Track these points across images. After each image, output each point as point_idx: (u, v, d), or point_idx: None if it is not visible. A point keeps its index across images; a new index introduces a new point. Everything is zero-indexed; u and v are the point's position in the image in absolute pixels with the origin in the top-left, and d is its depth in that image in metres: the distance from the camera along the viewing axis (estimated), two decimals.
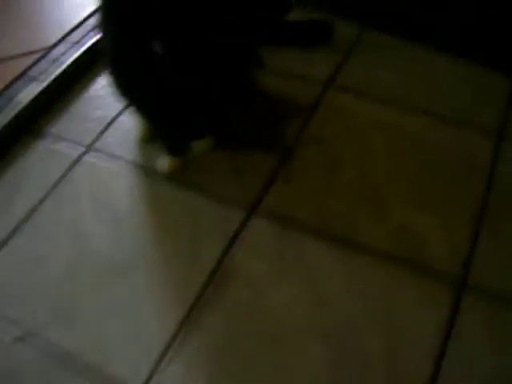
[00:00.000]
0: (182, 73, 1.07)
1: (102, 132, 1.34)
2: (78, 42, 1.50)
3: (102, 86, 1.43)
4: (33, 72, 1.43)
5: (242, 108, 1.33)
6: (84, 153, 1.30)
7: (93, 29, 1.53)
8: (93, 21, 1.54)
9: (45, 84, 1.39)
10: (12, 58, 1.47)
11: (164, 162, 1.25)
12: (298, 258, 1.11)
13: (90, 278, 1.10)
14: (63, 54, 1.47)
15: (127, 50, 1.07)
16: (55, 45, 1.50)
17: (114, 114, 1.38)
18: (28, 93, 1.37)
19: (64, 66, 1.43)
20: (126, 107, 1.37)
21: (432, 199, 1.19)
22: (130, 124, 1.34)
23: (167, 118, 1.18)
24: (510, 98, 1.38)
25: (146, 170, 1.27)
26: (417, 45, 1.49)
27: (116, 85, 1.17)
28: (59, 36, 1.52)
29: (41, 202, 1.21)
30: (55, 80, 1.41)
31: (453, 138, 1.30)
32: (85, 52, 1.47)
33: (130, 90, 1.15)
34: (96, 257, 1.12)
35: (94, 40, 1.49)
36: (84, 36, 1.51)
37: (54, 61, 1.46)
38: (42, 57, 1.47)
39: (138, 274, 1.10)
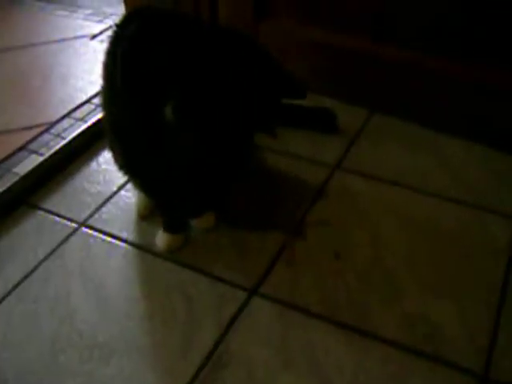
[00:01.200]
0: (192, 140, 1.02)
1: (99, 208, 1.28)
2: (81, 119, 1.48)
3: (103, 163, 1.40)
4: (34, 145, 1.41)
5: (245, 187, 1.28)
6: (78, 228, 1.23)
7: (96, 107, 1.52)
8: (97, 100, 1.53)
9: (44, 157, 1.36)
10: (15, 131, 1.45)
11: (163, 239, 1.18)
12: (302, 346, 1.00)
13: (73, 359, 0.99)
14: (66, 129, 1.45)
15: (135, 119, 1.03)
16: (58, 121, 1.48)
17: (112, 190, 1.32)
18: (27, 165, 1.34)
19: (65, 141, 1.40)
20: (126, 183, 1.32)
21: (449, 285, 1.10)
22: (128, 201, 1.29)
23: (169, 192, 1.13)
24: None
25: (142, 249, 1.19)
26: (427, 129, 1.46)
27: (118, 157, 1.13)
28: (62, 113, 1.50)
29: (28, 275, 1.14)
30: (55, 154, 1.38)
31: (469, 223, 1.23)
32: (87, 128, 1.44)
33: (133, 162, 1.11)
34: (81, 336, 1.03)
35: (97, 117, 1.46)
36: (88, 113, 1.50)
37: (56, 136, 1.43)
38: (45, 131, 1.44)
39: (123, 358, 0.99)
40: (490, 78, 1.37)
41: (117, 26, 1.06)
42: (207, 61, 1.00)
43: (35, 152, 1.38)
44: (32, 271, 1.15)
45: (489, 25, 1.33)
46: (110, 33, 1.06)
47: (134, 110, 1.02)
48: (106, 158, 1.39)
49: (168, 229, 1.19)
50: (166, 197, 1.16)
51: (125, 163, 1.14)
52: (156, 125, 1.00)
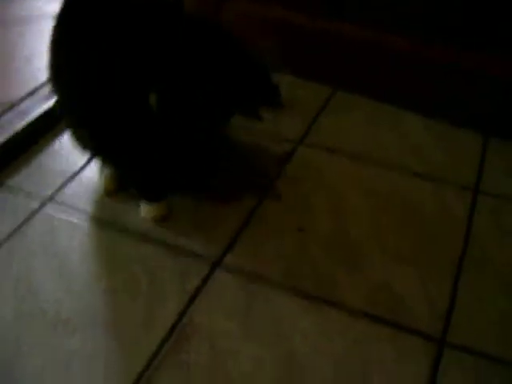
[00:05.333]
0: (174, 124, 1.06)
1: (63, 186, 1.27)
2: (45, 98, 1.47)
3: (67, 142, 1.38)
4: None
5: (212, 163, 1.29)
6: (42, 205, 1.23)
7: None
8: None
9: (8, 135, 1.34)
10: None
11: (146, 209, 1.19)
12: (266, 316, 1.02)
13: (36, 336, 0.99)
14: (29, 108, 1.44)
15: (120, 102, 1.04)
16: (22, 99, 1.46)
17: (76, 168, 1.32)
18: None
19: (29, 120, 1.39)
20: (89, 162, 1.32)
21: (410, 255, 1.13)
22: (91, 179, 1.29)
23: (144, 166, 1.14)
24: (482, 153, 1.37)
25: (105, 225, 1.19)
26: (389, 105, 1.49)
27: (85, 139, 1.14)
28: (26, 92, 1.49)
29: None
30: (19, 132, 1.36)
31: (429, 195, 1.26)
32: (51, 108, 1.43)
33: (106, 142, 1.12)
34: (44, 311, 1.03)
35: None
36: (52, 93, 1.48)
37: (20, 114, 1.42)
38: (8, 110, 1.43)
39: (87, 332, 1.00)
40: (451, 56, 1.40)
41: None
42: (186, 49, 1.04)
43: None
44: None
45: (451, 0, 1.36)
46: None
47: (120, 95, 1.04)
48: (69, 137, 1.38)
49: (147, 199, 1.19)
50: (139, 169, 1.16)
51: (95, 144, 1.14)
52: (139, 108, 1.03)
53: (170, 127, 1.08)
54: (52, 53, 1.10)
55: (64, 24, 1.08)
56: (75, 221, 1.20)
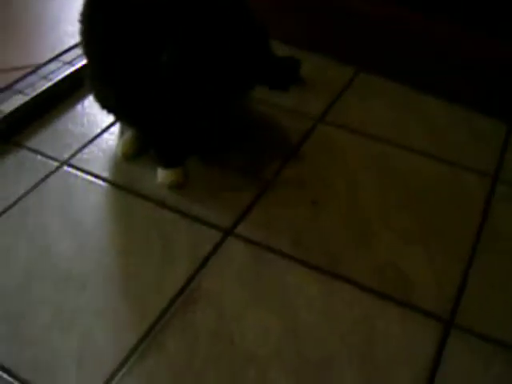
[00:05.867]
0: (188, 82, 1.05)
1: (81, 148, 1.28)
2: (69, 63, 1.48)
3: (88, 106, 1.40)
4: (20, 86, 1.40)
5: (229, 134, 1.30)
6: (59, 167, 1.24)
7: None
8: None
9: (29, 97, 1.35)
10: (2, 71, 1.45)
11: (163, 175, 1.20)
12: (275, 285, 1.02)
13: (46, 288, 1.01)
14: (53, 72, 1.45)
15: (131, 60, 1.06)
16: (46, 63, 1.47)
17: (95, 132, 1.33)
18: (11, 104, 1.34)
19: (51, 83, 1.40)
20: (109, 126, 1.33)
21: (423, 236, 1.12)
22: (110, 143, 1.30)
23: (161, 125, 1.15)
24: (505, 142, 1.35)
25: (122, 188, 1.20)
26: (413, 89, 1.47)
27: (108, 96, 1.15)
28: (51, 56, 1.50)
29: (7, 209, 1.15)
30: (40, 95, 1.37)
31: (446, 178, 1.25)
32: (74, 72, 1.44)
33: (126, 100, 1.12)
34: (56, 267, 1.04)
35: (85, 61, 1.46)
36: (76, 58, 1.49)
37: (43, 78, 1.43)
38: (32, 72, 1.44)
39: (98, 288, 1.01)
40: (478, 44, 1.37)
41: None
42: (202, 9, 1.02)
43: (21, 92, 1.38)
44: (11, 206, 1.16)
45: None
46: None
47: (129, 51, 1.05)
48: (91, 102, 1.38)
49: (164, 164, 1.20)
50: (158, 131, 1.17)
51: (116, 101, 1.15)
52: (151, 64, 1.03)
53: (183, 89, 1.07)
54: (83, 19, 1.12)
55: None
56: (92, 183, 1.21)
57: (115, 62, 1.09)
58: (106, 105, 1.19)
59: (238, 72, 1.07)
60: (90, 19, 1.11)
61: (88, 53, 1.16)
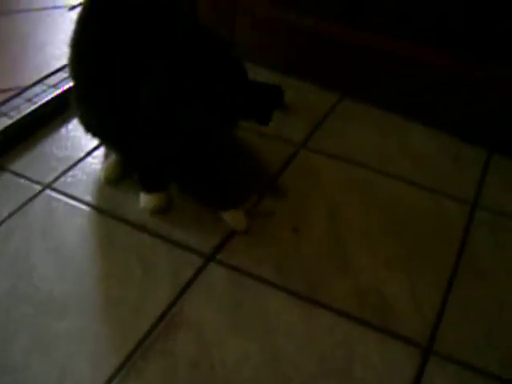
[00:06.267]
0: (167, 119, 1.09)
1: (65, 172, 1.29)
2: (54, 86, 1.48)
3: (72, 129, 1.40)
4: (4, 108, 1.40)
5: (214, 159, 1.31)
6: (43, 190, 1.24)
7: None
8: None
9: (13, 120, 1.36)
10: None
11: (145, 199, 1.20)
12: (255, 311, 1.03)
13: (27, 312, 1.00)
14: (38, 94, 1.45)
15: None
16: (31, 86, 1.48)
17: (79, 156, 1.33)
18: None
19: (36, 106, 1.41)
20: (93, 150, 1.34)
21: (403, 262, 1.13)
22: (94, 167, 1.30)
23: (149, 155, 1.17)
24: (484, 167, 1.37)
25: (104, 213, 1.20)
26: (394, 114, 1.50)
27: (92, 123, 1.18)
28: (36, 79, 1.51)
29: None
30: (25, 117, 1.37)
31: (426, 205, 1.27)
32: (59, 95, 1.45)
33: (110, 128, 1.16)
34: (36, 293, 1.04)
35: (70, 85, 1.46)
36: (61, 81, 1.50)
37: (28, 100, 1.43)
38: (17, 95, 1.44)
39: (79, 312, 1.01)
40: (462, 68, 1.40)
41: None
42: (183, 51, 1.07)
43: (5, 114, 1.38)
44: None
45: (465, 13, 1.36)
46: None
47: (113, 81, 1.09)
48: (75, 125, 1.39)
49: (147, 189, 1.20)
50: (140, 157, 1.18)
51: (99, 126, 1.18)
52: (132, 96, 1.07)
53: (162, 124, 1.10)
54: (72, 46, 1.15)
55: (81, 25, 1.14)
56: (74, 207, 1.21)
57: (100, 88, 1.11)
58: (89, 129, 1.20)
59: (218, 107, 1.09)
60: (78, 44, 1.13)
61: (75, 76, 1.18)
